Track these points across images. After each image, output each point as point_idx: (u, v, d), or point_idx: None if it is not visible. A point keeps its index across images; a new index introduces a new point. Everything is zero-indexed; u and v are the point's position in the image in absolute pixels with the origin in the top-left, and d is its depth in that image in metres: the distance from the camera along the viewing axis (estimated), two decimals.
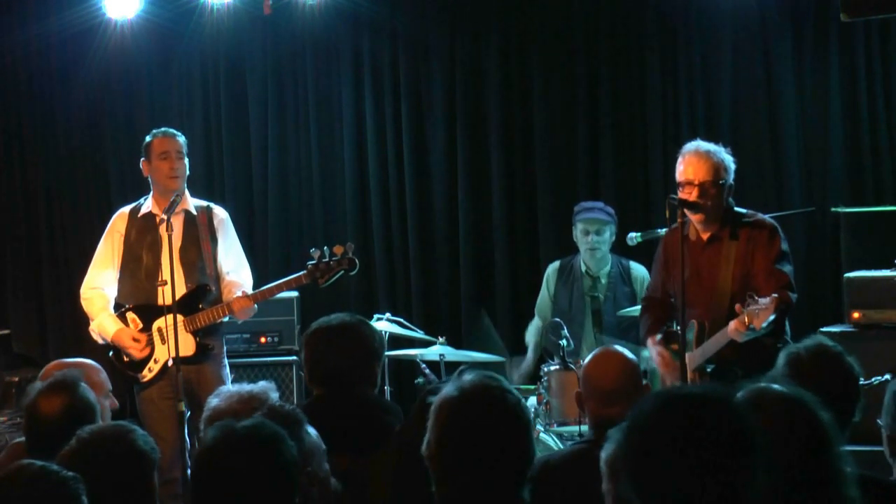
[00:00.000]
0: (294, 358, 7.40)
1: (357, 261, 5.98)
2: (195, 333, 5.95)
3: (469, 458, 2.76)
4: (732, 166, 5.35)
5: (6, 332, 8.26)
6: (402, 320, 6.89)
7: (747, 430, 2.23)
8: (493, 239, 7.90)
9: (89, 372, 4.47)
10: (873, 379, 5.48)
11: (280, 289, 6.01)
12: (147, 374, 5.97)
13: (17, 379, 7.67)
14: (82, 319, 8.27)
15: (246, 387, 3.98)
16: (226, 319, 6.05)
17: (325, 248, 5.95)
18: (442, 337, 6.72)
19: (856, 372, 3.54)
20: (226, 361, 6.19)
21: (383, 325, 6.65)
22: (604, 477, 3.00)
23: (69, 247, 8.28)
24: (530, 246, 7.88)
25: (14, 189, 8.39)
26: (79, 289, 6.27)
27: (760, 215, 5.46)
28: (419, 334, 6.82)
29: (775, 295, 4.86)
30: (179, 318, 5.84)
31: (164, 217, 5.74)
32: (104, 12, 7.92)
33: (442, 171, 7.98)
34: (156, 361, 5.97)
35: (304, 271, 5.94)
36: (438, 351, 6.60)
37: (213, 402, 3.90)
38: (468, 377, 2.87)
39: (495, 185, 7.88)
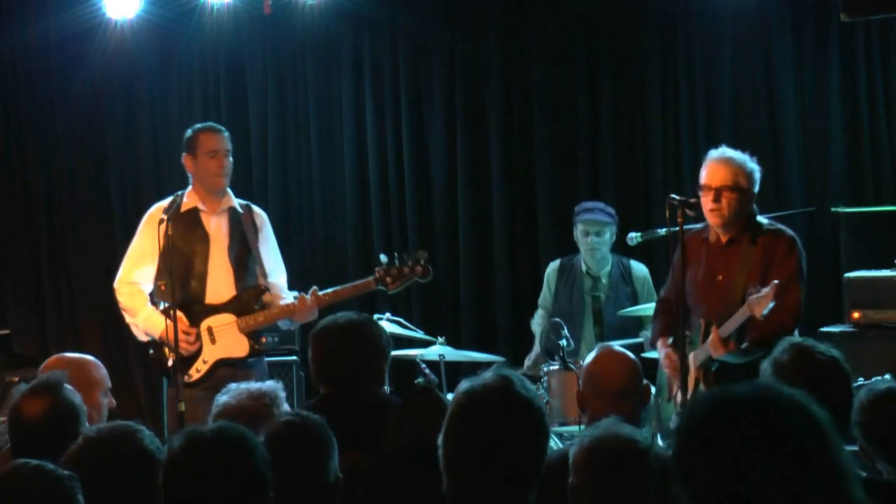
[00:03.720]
0: (294, 358, 7.40)
1: (431, 269, 5.89)
2: (249, 335, 5.80)
3: (474, 454, 2.75)
4: (757, 175, 5.29)
5: (6, 332, 8.23)
6: (402, 320, 6.87)
7: (799, 433, 2.19)
8: (493, 239, 7.90)
9: (89, 368, 4.42)
10: (873, 379, 5.47)
11: (347, 293, 5.87)
12: (194, 374, 5.74)
13: (17, 379, 7.64)
14: (82, 319, 8.33)
15: (255, 384, 3.99)
16: (289, 324, 5.94)
17: (396, 254, 5.87)
18: (442, 337, 6.71)
19: (836, 359, 3.51)
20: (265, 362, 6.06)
21: (383, 325, 6.64)
22: (570, 473, 3.00)
23: (69, 247, 8.28)
24: (530, 246, 7.88)
25: (14, 189, 8.38)
26: (79, 288, 6.17)
27: (781, 226, 5.40)
28: (419, 334, 6.81)
29: (776, 282, 4.87)
30: (232, 317, 5.75)
31: (165, 217, 5.56)
32: (104, 12, 7.93)
33: (442, 170, 7.98)
34: (204, 362, 5.77)
35: (373, 276, 5.83)
36: (438, 351, 6.59)
37: (222, 398, 3.90)
38: (486, 373, 2.86)
39: (495, 185, 7.88)
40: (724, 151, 5.35)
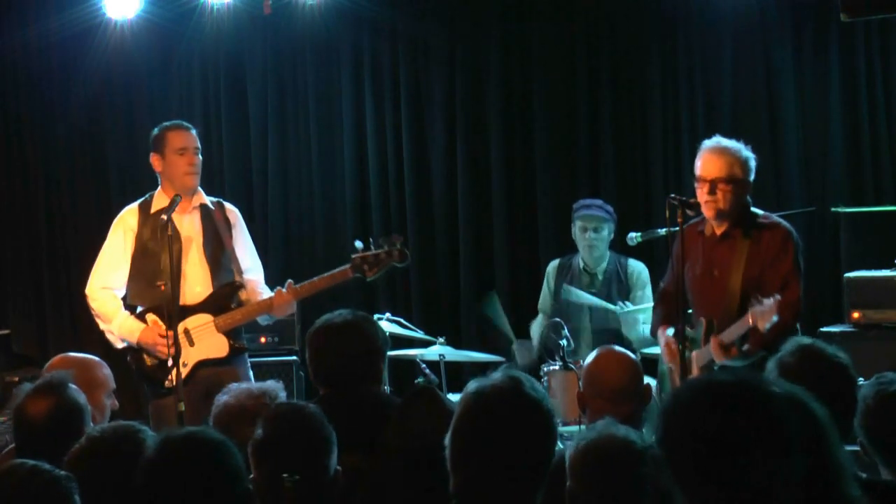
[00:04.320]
0: (294, 358, 7.39)
1: (408, 253, 5.72)
2: (228, 334, 5.69)
3: (482, 454, 2.75)
4: (752, 164, 5.28)
5: (6, 332, 8.25)
6: (402, 320, 6.87)
7: (782, 421, 2.20)
8: (493, 238, 7.90)
9: (93, 368, 4.40)
10: (875, 376, 5.46)
11: (324, 283, 5.71)
12: (174, 379, 5.55)
13: (17, 379, 7.64)
14: (82, 319, 8.29)
15: (255, 384, 3.99)
16: (267, 319, 5.83)
17: (371, 238, 5.69)
18: (442, 337, 6.71)
19: (844, 363, 3.51)
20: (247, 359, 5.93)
21: (383, 325, 6.63)
22: (567, 476, 2.98)
23: (69, 247, 8.28)
24: (530, 245, 7.88)
25: (14, 189, 8.38)
26: (79, 288, 6.08)
27: (776, 218, 5.39)
28: (419, 334, 6.81)
29: (777, 297, 4.86)
30: (209, 317, 5.64)
31: (165, 218, 5.47)
32: (104, 12, 7.93)
33: (442, 170, 7.98)
34: (184, 364, 5.55)
35: (349, 264, 5.65)
36: (438, 351, 6.60)
37: (222, 398, 3.90)
38: (495, 374, 2.86)
39: (495, 185, 7.88)
40: (720, 141, 5.32)
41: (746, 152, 5.28)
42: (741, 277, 5.21)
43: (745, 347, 5.04)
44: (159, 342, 5.57)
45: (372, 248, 5.66)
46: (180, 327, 5.63)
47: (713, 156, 5.26)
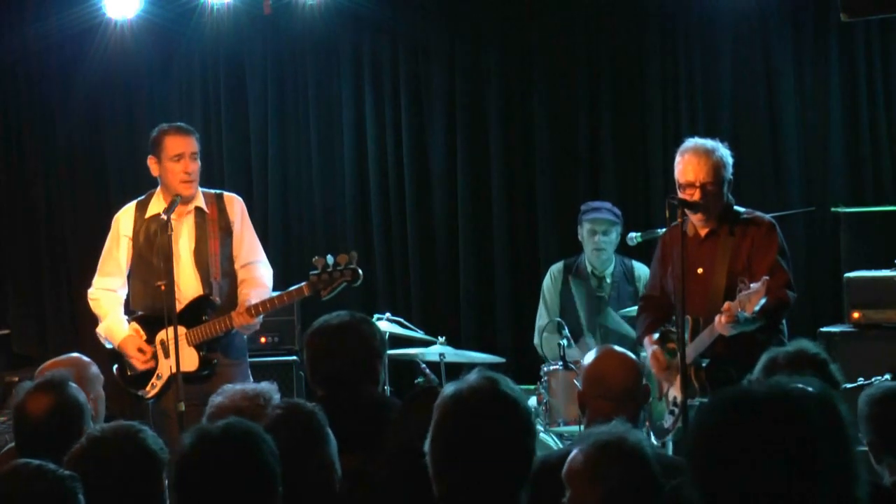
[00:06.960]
0: (295, 358, 7.38)
1: (360, 271, 5.50)
2: (198, 347, 5.52)
3: (464, 457, 2.75)
4: (730, 160, 5.33)
5: (6, 332, 8.24)
6: (402, 320, 6.87)
7: (814, 436, 2.15)
8: (493, 239, 7.90)
9: (81, 366, 4.44)
10: (873, 379, 5.49)
11: (282, 301, 5.58)
12: (150, 391, 5.58)
13: (17, 379, 7.63)
14: (82, 319, 8.30)
15: (249, 385, 3.98)
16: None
17: (329, 256, 5.51)
18: (442, 337, 6.71)
19: (835, 381, 3.54)
20: (248, 373, 5.71)
21: (383, 325, 6.63)
22: (566, 484, 2.96)
23: (69, 247, 8.28)
24: (530, 246, 7.88)
25: (14, 189, 8.38)
26: (78, 288, 6.07)
27: (758, 213, 5.45)
28: (419, 334, 6.81)
29: (766, 277, 4.88)
30: (182, 329, 5.42)
31: (165, 217, 5.39)
32: (104, 12, 7.92)
33: (442, 171, 7.97)
34: (159, 377, 5.56)
35: (306, 282, 5.48)
36: (438, 351, 6.60)
37: (217, 399, 3.89)
38: (471, 376, 2.85)
39: (495, 186, 7.88)
40: (699, 143, 5.34)
41: (724, 150, 5.33)
42: (726, 273, 5.25)
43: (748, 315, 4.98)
44: (134, 354, 5.56)
45: (329, 266, 5.46)
46: (157, 338, 5.59)
47: (698, 159, 5.27)
